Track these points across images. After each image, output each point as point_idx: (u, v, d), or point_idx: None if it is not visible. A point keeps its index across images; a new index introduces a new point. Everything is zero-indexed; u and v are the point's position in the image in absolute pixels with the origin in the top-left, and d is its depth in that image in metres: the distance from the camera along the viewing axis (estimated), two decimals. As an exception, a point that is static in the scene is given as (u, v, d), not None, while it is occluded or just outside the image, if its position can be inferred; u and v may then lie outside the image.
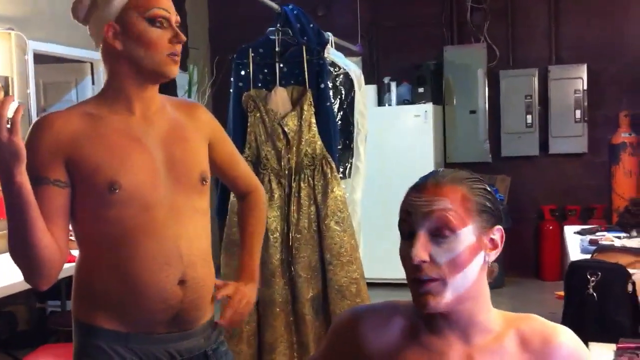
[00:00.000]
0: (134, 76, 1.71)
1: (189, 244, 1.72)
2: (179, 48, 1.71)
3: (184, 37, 1.71)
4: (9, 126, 1.40)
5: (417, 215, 1.21)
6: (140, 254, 1.67)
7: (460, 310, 1.24)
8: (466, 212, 1.22)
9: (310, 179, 3.42)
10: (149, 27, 1.68)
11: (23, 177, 1.47)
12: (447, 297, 1.21)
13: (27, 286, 3.27)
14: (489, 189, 1.29)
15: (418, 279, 1.21)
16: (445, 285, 1.20)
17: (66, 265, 1.69)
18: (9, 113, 1.40)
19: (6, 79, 4.60)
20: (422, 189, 1.24)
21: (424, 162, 6.48)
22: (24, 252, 1.56)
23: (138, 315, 1.70)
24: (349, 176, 3.73)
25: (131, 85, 1.72)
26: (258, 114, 3.46)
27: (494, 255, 1.26)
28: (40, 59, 5.08)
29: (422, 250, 1.19)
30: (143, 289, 1.67)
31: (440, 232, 1.20)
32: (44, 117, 1.68)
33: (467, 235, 1.21)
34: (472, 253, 1.22)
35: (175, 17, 1.72)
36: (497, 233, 1.26)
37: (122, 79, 1.72)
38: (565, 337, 1.27)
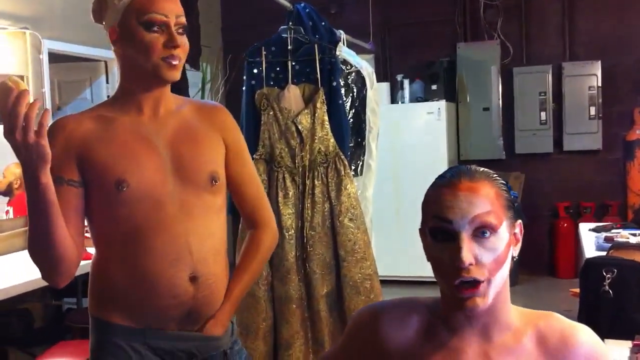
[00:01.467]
0: (137, 78, 1.73)
1: (200, 240, 1.73)
2: (177, 52, 1.69)
3: (179, 43, 1.68)
4: (36, 129, 1.43)
5: (457, 219, 1.19)
6: (150, 251, 1.68)
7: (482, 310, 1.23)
8: (501, 209, 1.22)
9: (323, 176, 3.42)
10: (144, 32, 1.67)
11: (48, 178, 1.50)
12: (492, 295, 1.20)
13: (43, 283, 3.29)
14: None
15: (462, 282, 1.18)
16: (489, 284, 1.19)
17: (82, 263, 1.72)
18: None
19: (21, 77, 4.64)
20: (456, 187, 1.21)
21: (437, 159, 6.48)
22: (44, 251, 1.59)
23: (151, 311, 1.71)
24: (361, 174, 3.74)
25: (138, 86, 1.74)
26: (271, 112, 3.46)
27: (517, 249, 1.26)
28: (55, 57, 5.11)
29: (469, 253, 1.18)
30: (154, 284, 1.69)
31: (482, 233, 1.19)
32: (57, 120, 1.72)
33: (504, 232, 1.21)
34: (508, 249, 1.22)
35: (175, 20, 1.69)
36: (518, 227, 1.27)
37: (129, 80, 1.75)
38: (585, 336, 1.25)
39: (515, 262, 1.27)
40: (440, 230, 1.21)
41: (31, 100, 1.44)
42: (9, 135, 1.43)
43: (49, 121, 1.49)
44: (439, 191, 1.23)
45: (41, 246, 1.59)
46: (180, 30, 1.71)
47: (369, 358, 1.34)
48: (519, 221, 1.27)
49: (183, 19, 1.72)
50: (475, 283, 1.19)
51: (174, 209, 1.71)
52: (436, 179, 1.27)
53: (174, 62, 1.69)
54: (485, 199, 1.20)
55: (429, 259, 1.26)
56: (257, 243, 1.92)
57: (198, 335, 1.77)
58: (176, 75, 1.71)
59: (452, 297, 1.21)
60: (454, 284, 1.19)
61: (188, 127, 1.79)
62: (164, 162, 1.72)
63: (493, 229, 1.19)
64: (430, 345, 1.28)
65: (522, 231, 1.27)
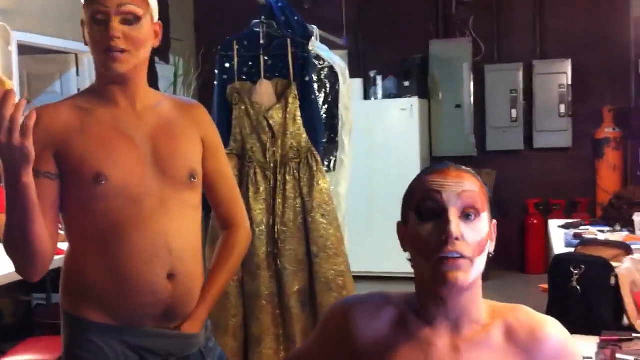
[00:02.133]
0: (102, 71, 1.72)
1: (178, 238, 1.71)
2: (116, 43, 1.64)
3: (115, 33, 1.63)
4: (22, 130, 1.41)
5: (448, 193, 1.23)
6: (128, 247, 1.66)
7: (457, 298, 1.25)
8: (485, 199, 1.27)
9: (295, 171, 3.41)
10: (92, 25, 1.66)
11: (29, 178, 1.49)
12: (473, 276, 1.23)
13: (12, 279, 3.26)
14: None
15: (446, 257, 1.21)
16: (472, 263, 1.22)
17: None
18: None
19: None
20: (444, 172, 1.26)
21: (410, 155, 6.51)
22: (21, 246, 1.57)
23: (127, 308, 1.69)
24: (334, 169, 3.73)
25: (109, 79, 1.72)
26: (243, 107, 3.45)
27: (492, 247, 1.30)
28: (25, 50, 5.05)
29: (457, 227, 1.21)
30: (131, 281, 1.67)
31: (468, 213, 1.23)
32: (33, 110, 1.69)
33: (486, 220, 1.26)
34: (487, 239, 1.26)
35: (117, 9, 1.64)
36: (493, 227, 1.31)
37: (100, 72, 1.74)
38: (553, 329, 1.28)
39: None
40: (428, 207, 1.24)
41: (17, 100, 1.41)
42: None
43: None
44: (426, 177, 1.28)
45: (18, 242, 1.57)
46: (130, 19, 1.65)
47: (341, 352, 1.35)
48: (494, 221, 1.31)
49: (130, 7, 1.65)
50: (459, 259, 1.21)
51: (153, 204, 1.69)
52: (420, 172, 1.32)
53: (114, 54, 1.65)
54: (472, 183, 1.26)
55: (409, 245, 1.28)
56: (231, 245, 1.91)
57: (174, 333, 1.76)
58: (117, 68, 1.66)
59: (433, 274, 1.22)
60: (437, 258, 1.21)
61: (167, 122, 1.78)
62: (143, 156, 1.70)
63: (477, 212, 1.24)
64: (401, 337, 1.29)
65: (496, 231, 1.31)
